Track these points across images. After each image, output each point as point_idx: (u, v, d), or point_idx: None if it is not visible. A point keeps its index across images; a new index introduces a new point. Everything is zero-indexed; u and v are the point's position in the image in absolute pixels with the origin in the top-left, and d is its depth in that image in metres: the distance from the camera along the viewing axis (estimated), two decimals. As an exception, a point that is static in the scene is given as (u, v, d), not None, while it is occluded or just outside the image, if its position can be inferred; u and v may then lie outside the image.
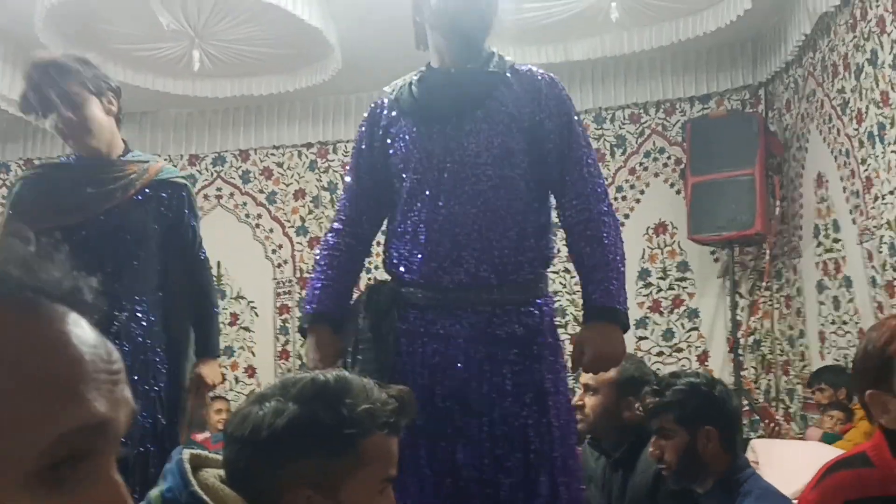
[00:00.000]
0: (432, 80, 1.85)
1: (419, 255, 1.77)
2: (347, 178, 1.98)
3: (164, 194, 2.34)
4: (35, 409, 0.48)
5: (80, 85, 2.22)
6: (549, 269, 1.89)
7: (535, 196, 1.81)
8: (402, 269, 1.81)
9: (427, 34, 1.86)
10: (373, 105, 1.95)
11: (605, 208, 1.81)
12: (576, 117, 1.85)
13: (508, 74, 1.83)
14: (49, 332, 0.51)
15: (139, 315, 2.29)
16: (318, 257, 1.94)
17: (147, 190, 2.31)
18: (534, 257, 1.80)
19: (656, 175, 5.32)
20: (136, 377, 2.19)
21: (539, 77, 1.85)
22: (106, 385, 0.52)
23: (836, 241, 4.18)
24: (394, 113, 1.88)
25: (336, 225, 1.94)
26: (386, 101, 1.91)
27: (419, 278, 1.77)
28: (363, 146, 1.93)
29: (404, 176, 1.82)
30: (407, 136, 1.83)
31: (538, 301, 1.80)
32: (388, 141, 1.86)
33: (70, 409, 0.49)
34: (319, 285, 1.89)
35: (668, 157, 5.32)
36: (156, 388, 2.28)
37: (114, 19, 4.18)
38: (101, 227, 2.22)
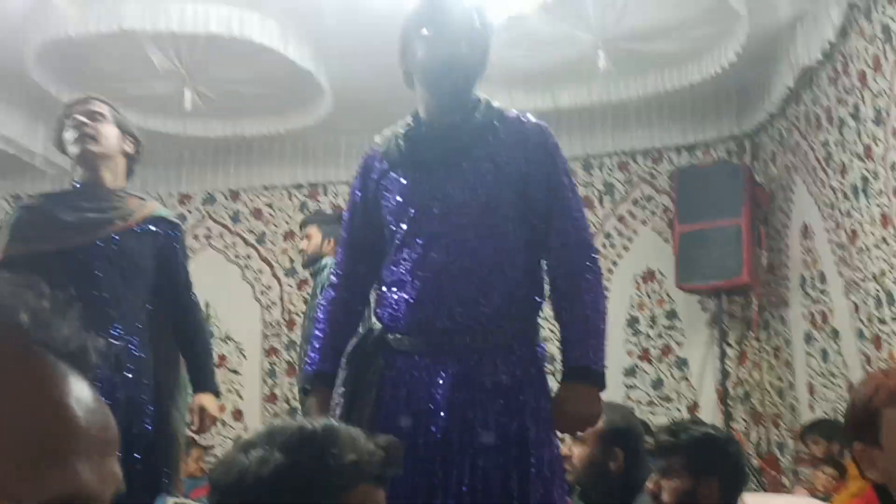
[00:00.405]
0: (419, 132, 1.86)
1: (406, 303, 1.77)
2: (343, 232, 1.99)
3: (159, 231, 2.41)
4: (21, 469, 0.46)
5: (112, 120, 2.40)
6: (539, 316, 1.88)
7: (523, 245, 1.81)
8: (389, 316, 1.81)
9: (414, 82, 1.88)
10: (364, 157, 1.96)
11: (588, 263, 1.80)
12: (563, 166, 1.84)
13: (496, 122, 1.83)
14: (49, 391, 0.50)
15: (131, 348, 2.31)
16: (318, 312, 1.95)
17: (144, 224, 2.38)
18: (522, 305, 1.79)
19: (644, 223, 5.34)
20: (122, 413, 2.20)
21: (527, 125, 1.85)
22: (97, 457, 0.50)
23: (822, 292, 4.18)
24: (385, 164, 1.89)
25: (333, 279, 1.95)
26: (377, 152, 1.93)
27: (406, 325, 1.77)
28: (357, 198, 1.94)
29: (393, 227, 1.83)
30: (397, 188, 1.84)
31: (526, 349, 1.79)
32: (380, 192, 1.88)
33: (56, 475, 0.47)
34: (318, 344, 1.90)
35: (656, 206, 5.34)
36: (142, 428, 2.28)
37: (107, 58, 4.22)
38: (100, 253, 2.28)
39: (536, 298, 1.84)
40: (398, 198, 1.83)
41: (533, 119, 1.86)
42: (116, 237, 2.32)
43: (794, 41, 4.08)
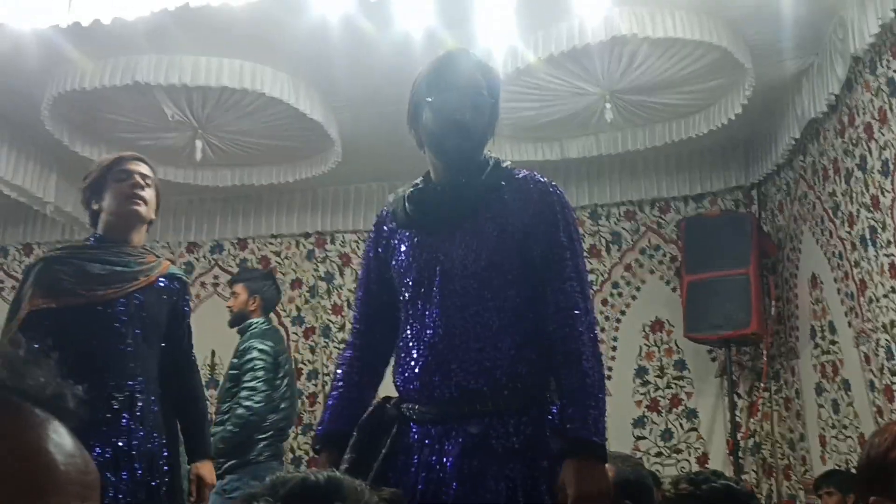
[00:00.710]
0: (425, 193, 1.86)
1: (414, 370, 1.75)
2: (358, 291, 1.99)
3: (173, 288, 2.46)
4: None
5: (153, 184, 2.49)
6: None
7: (528, 306, 1.77)
8: (402, 381, 1.80)
9: (423, 144, 1.89)
10: (378, 216, 1.97)
11: (582, 328, 1.72)
12: (566, 225, 1.80)
13: (503, 183, 1.82)
14: (27, 436, 0.50)
15: (151, 401, 2.34)
16: (334, 372, 1.94)
17: (162, 280, 2.42)
18: (532, 366, 1.74)
19: (652, 272, 5.34)
20: (140, 465, 2.24)
21: (532, 185, 1.82)
22: (77, 500, 0.51)
23: (832, 342, 4.15)
24: (393, 224, 1.90)
25: (350, 339, 1.96)
26: (387, 212, 1.94)
27: (415, 392, 1.75)
28: (370, 257, 1.95)
29: (402, 287, 1.83)
30: (403, 248, 1.85)
31: (538, 410, 1.74)
32: (389, 252, 1.89)
33: None
34: (331, 403, 1.88)
35: (664, 255, 5.34)
36: (158, 480, 2.28)
37: (119, 109, 4.27)
38: (125, 307, 2.32)
39: (547, 358, 1.78)
40: (403, 258, 1.83)
41: (542, 179, 1.84)
42: (140, 293, 2.36)
43: (799, 94, 4.13)
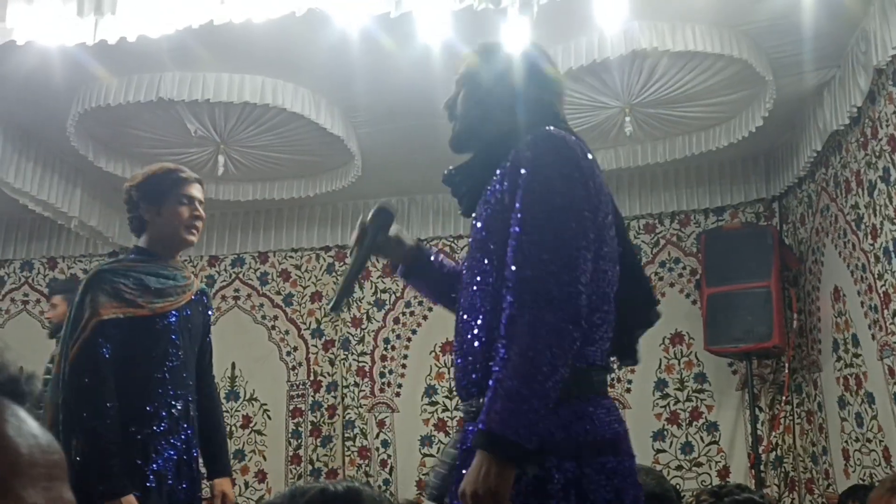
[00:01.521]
0: (456, 171, 1.80)
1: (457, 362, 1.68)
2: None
3: (204, 301, 2.55)
4: None
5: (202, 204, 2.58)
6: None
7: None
8: None
9: None
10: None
11: (511, 298, 1.44)
12: (528, 178, 1.52)
13: (509, 162, 1.61)
14: None
15: (196, 413, 2.43)
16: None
17: (196, 295, 2.51)
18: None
19: (672, 285, 5.32)
20: (195, 474, 2.35)
21: (511, 155, 1.60)
22: (44, 482, 0.50)
23: (856, 356, 4.12)
24: None
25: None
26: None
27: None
28: None
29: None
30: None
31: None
32: None
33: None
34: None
35: (684, 268, 5.32)
36: (199, 492, 2.34)
37: (143, 125, 4.33)
38: (177, 319, 2.40)
39: None
40: None
41: (527, 149, 1.57)
42: (188, 306, 2.44)
43: (821, 106, 4.12)
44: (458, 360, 1.64)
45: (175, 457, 2.26)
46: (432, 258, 1.93)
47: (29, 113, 4.37)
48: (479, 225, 1.65)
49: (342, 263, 5.85)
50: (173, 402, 2.29)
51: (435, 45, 3.58)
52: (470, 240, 1.72)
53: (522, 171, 1.53)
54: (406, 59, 3.75)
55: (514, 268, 1.47)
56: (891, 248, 3.63)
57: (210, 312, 2.61)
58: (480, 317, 1.56)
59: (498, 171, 1.63)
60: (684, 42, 3.54)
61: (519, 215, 1.50)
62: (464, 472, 1.46)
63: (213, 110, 4.14)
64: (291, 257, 5.92)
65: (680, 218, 5.38)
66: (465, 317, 1.62)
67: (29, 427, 0.52)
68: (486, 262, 1.58)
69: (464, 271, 1.71)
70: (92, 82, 3.98)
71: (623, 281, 1.61)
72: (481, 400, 1.48)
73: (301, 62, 3.89)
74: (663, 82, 3.89)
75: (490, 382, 1.43)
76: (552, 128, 1.62)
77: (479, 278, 1.59)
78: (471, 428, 1.54)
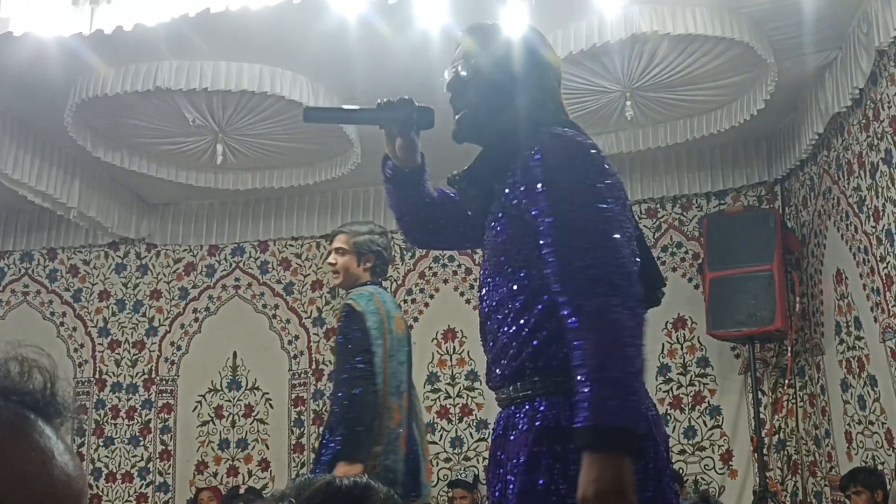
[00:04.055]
0: (461, 177, 1.77)
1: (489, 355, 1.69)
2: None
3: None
4: None
5: (351, 249, 2.97)
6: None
7: (539, 289, 1.55)
8: None
9: None
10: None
11: (572, 292, 1.42)
12: (546, 176, 1.52)
13: (492, 164, 1.66)
14: (27, 460, 0.52)
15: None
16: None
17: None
18: (537, 354, 1.54)
19: (674, 269, 5.31)
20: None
21: (526, 153, 1.58)
22: None
23: (858, 338, 4.11)
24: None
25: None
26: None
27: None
28: None
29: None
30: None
31: (538, 402, 1.53)
32: None
33: None
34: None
35: (686, 252, 5.31)
36: None
37: (140, 114, 4.30)
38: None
39: (549, 351, 1.54)
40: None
41: (538, 148, 1.56)
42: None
43: (822, 88, 4.09)
44: (492, 353, 1.65)
45: None
46: (426, 181, 1.88)
47: (26, 104, 4.34)
48: (497, 228, 1.64)
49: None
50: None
51: (433, 30, 3.56)
52: (486, 240, 1.70)
53: (539, 185, 1.52)
54: (404, 45, 3.72)
55: (564, 264, 1.45)
56: (893, 231, 3.61)
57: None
58: (512, 314, 1.58)
59: (510, 175, 1.60)
60: (685, 25, 3.52)
61: (549, 219, 1.49)
62: (512, 466, 1.49)
63: (210, 99, 4.12)
64: (292, 246, 5.91)
65: (682, 202, 5.36)
66: (498, 317, 1.62)
67: (65, 458, 0.54)
68: (508, 268, 1.59)
69: (485, 271, 1.70)
70: (89, 72, 3.96)
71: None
72: (511, 388, 1.56)
73: (298, 49, 3.86)
74: (664, 66, 3.86)
75: (580, 379, 1.36)
76: (558, 128, 1.61)
77: (502, 279, 1.61)
78: (504, 414, 1.60)
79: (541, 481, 1.45)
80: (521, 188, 1.56)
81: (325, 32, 3.65)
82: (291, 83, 4.05)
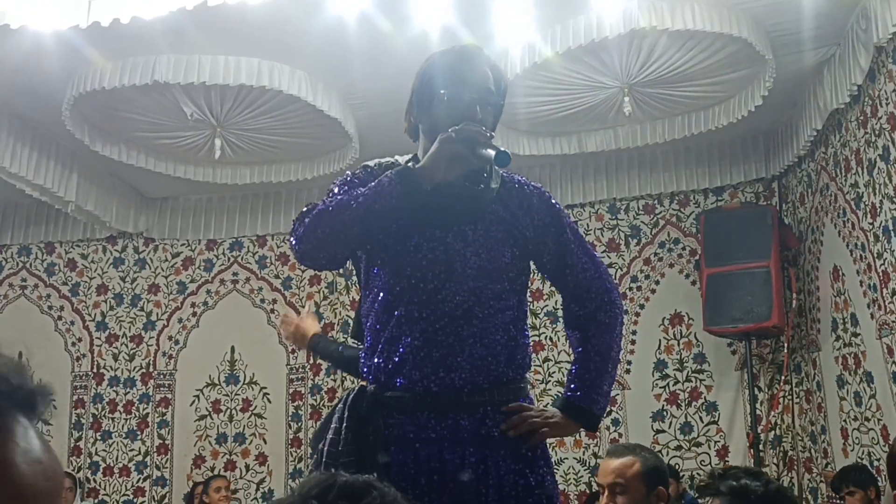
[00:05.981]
0: (438, 187, 1.72)
1: (409, 361, 1.70)
2: None
3: None
4: None
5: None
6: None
7: (521, 304, 1.82)
8: (385, 375, 1.72)
9: (419, 132, 1.84)
10: (362, 169, 1.85)
11: (599, 305, 1.85)
12: (567, 223, 1.88)
13: (494, 185, 1.78)
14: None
15: None
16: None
17: None
18: (521, 362, 1.79)
19: (671, 266, 5.32)
20: None
21: (528, 190, 1.85)
22: None
23: (854, 335, 4.12)
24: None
25: None
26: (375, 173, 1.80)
27: (408, 383, 1.69)
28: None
29: (388, 278, 1.74)
30: (400, 238, 1.75)
31: (523, 400, 1.78)
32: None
33: None
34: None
35: (683, 248, 5.32)
36: None
37: (138, 108, 4.29)
38: None
39: (529, 353, 1.85)
40: (404, 251, 1.74)
41: (533, 183, 1.89)
42: None
43: (821, 84, 4.09)
44: (481, 352, 1.73)
45: None
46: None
47: (23, 97, 4.34)
48: (490, 243, 1.78)
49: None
50: None
51: (432, 26, 3.55)
52: (474, 246, 1.75)
53: (560, 213, 1.89)
54: (403, 40, 3.72)
55: (597, 281, 1.87)
56: (890, 227, 3.62)
57: None
58: (506, 324, 1.77)
59: (507, 202, 1.82)
60: (683, 21, 3.51)
61: (574, 247, 1.87)
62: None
63: (209, 93, 4.11)
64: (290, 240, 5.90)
65: (679, 198, 5.36)
66: (486, 311, 1.75)
67: (35, 452, 0.53)
68: (501, 279, 1.78)
69: (469, 270, 1.74)
70: (86, 66, 3.95)
71: None
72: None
73: (297, 44, 3.86)
74: (662, 62, 3.86)
75: (582, 363, 1.82)
76: None
77: (490, 292, 1.75)
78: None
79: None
80: (540, 223, 1.85)
81: (323, 27, 3.65)
82: (290, 78, 4.05)
